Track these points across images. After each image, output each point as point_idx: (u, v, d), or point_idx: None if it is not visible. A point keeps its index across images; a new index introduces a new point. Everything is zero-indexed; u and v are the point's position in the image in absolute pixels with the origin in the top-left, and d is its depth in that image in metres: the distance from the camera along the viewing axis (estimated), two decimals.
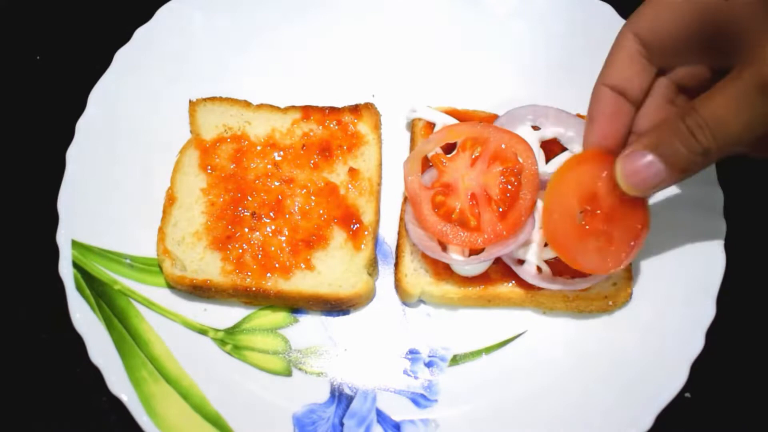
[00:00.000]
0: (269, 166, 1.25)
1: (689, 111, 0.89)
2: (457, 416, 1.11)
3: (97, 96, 1.30)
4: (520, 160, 1.12)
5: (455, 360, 1.15)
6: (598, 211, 1.04)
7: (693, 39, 0.96)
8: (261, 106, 1.31)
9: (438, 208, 1.13)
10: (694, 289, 1.15)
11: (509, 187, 1.11)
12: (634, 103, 1.03)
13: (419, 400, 1.13)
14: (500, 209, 1.11)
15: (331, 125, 1.28)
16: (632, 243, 1.04)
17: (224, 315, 1.19)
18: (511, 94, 1.27)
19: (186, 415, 1.09)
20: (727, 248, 1.16)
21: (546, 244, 1.12)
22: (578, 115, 1.21)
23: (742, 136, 0.87)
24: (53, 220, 1.20)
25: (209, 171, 1.24)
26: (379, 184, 1.26)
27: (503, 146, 1.13)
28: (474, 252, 1.13)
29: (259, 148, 1.26)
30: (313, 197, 1.22)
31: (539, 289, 1.13)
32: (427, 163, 1.18)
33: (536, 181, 1.10)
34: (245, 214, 1.20)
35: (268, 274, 1.16)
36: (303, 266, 1.17)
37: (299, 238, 1.19)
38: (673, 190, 1.21)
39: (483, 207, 1.11)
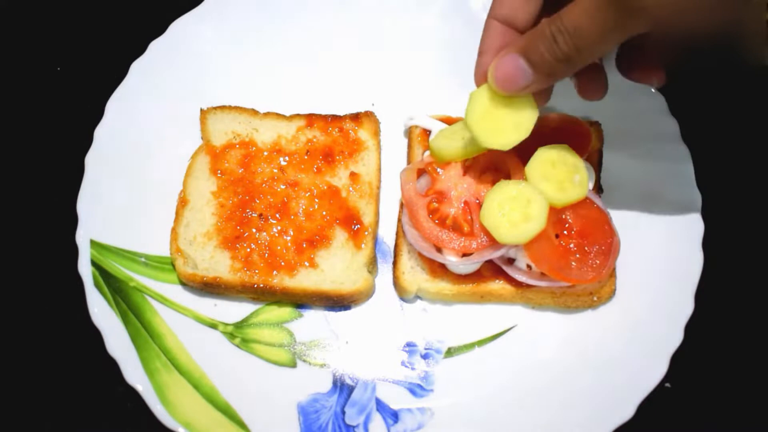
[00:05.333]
0: (275, 171, 1.27)
1: (554, 18, 0.90)
2: (452, 405, 1.12)
3: (114, 105, 1.31)
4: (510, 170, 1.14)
5: (450, 352, 1.17)
6: (572, 232, 1.13)
7: None
8: (268, 114, 1.33)
9: (432, 214, 1.16)
10: (673, 286, 1.16)
11: None
12: (524, 32, 1.02)
13: (416, 389, 1.14)
14: None
15: (334, 132, 1.30)
16: (607, 254, 1.11)
17: (233, 310, 1.20)
18: None
19: (197, 404, 1.10)
20: (705, 247, 1.18)
21: None
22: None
23: (597, 44, 0.88)
24: (73, 221, 1.22)
25: (219, 175, 1.26)
26: (378, 188, 1.28)
27: (493, 157, 1.16)
28: (467, 253, 1.15)
29: (265, 153, 1.28)
30: (316, 200, 1.24)
31: (528, 286, 1.15)
32: (422, 170, 1.20)
33: None
34: (253, 215, 1.23)
35: (275, 272, 1.18)
36: (307, 264, 1.19)
37: (303, 238, 1.21)
38: (654, 194, 1.24)
39: (475, 214, 1.14)
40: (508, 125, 1.02)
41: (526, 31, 1.01)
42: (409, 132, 1.33)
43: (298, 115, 1.33)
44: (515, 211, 1.09)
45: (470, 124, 1.04)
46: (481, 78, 1.05)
